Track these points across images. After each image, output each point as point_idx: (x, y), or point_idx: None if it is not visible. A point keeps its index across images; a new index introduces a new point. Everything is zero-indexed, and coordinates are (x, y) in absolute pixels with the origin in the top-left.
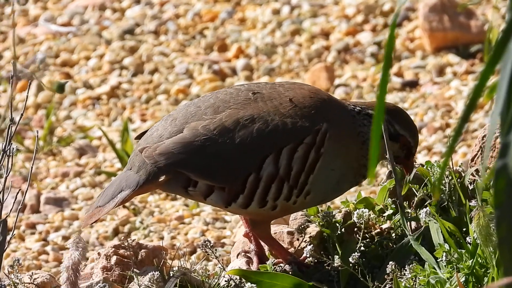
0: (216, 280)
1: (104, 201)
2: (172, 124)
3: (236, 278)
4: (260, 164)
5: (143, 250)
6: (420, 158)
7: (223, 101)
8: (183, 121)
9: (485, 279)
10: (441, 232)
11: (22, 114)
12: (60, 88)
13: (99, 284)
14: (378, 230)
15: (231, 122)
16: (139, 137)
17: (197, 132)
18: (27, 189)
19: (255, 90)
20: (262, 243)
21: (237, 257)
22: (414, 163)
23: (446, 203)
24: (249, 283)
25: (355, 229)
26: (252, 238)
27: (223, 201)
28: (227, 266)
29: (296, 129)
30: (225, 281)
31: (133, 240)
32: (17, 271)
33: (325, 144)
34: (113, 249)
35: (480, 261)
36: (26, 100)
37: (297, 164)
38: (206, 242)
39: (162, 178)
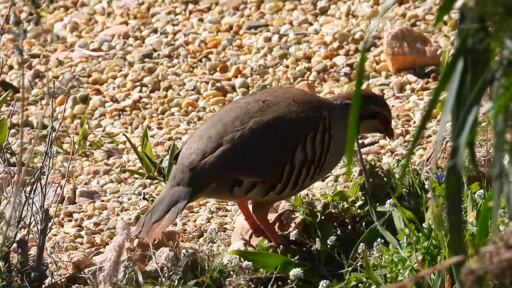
0: (219, 259)
1: (159, 216)
2: (209, 141)
3: (236, 257)
4: (293, 154)
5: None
6: (385, 159)
7: (244, 113)
8: (218, 137)
9: (438, 257)
10: (402, 219)
11: (60, 123)
12: (84, 100)
13: (124, 262)
14: (351, 217)
15: (261, 126)
16: (175, 158)
17: (236, 142)
18: (65, 184)
19: (262, 99)
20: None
21: (249, 238)
22: (394, 131)
23: (406, 195)
24: (246, 261)
25: (333, 217)
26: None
27: (262, 193)
28: (228, 247)
29: (311, 120)
30: (227, 260)
31: None
32: (57, 251)
33: (332, 127)
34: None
35: (434, 242)
36: (64, 112)
37: (319, 148)
38: (213, 229)
39: (212, 186)
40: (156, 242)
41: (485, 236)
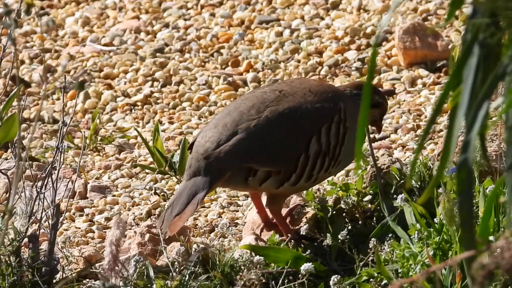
0: (231, 254)
1: (180, 209)
2: (224, 129)
3: (247, 252)
4: (307, 145)
5: None
6: (396, 154)
7: (260, 102)
8: (234, 125)
9: (450, 252)
10: (414, 214)
11: (72, 118)
12: (80, 86)
13: (135, 257)
14: (362, 212)
15: (276, 116)
16: (189, 148)
17: (251, 130)
18: (76, 179)
19: (278, 89)
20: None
21: (263, 231)
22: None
23: (417, 190)
24: (257, 256)
25: (344, 212)
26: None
27: (276, 183)
28: (239, 242)
29: (326, 111)
30: (238, 254)
31: None
32: (68, 246)
33: (347, 119)
34: (147, 228)
35: (446, 238)
36: (75, 106)
37: (334, 139)
38: (224, 224)
39: (227, 174)
40: (167, 237)
41: (486, 232)
